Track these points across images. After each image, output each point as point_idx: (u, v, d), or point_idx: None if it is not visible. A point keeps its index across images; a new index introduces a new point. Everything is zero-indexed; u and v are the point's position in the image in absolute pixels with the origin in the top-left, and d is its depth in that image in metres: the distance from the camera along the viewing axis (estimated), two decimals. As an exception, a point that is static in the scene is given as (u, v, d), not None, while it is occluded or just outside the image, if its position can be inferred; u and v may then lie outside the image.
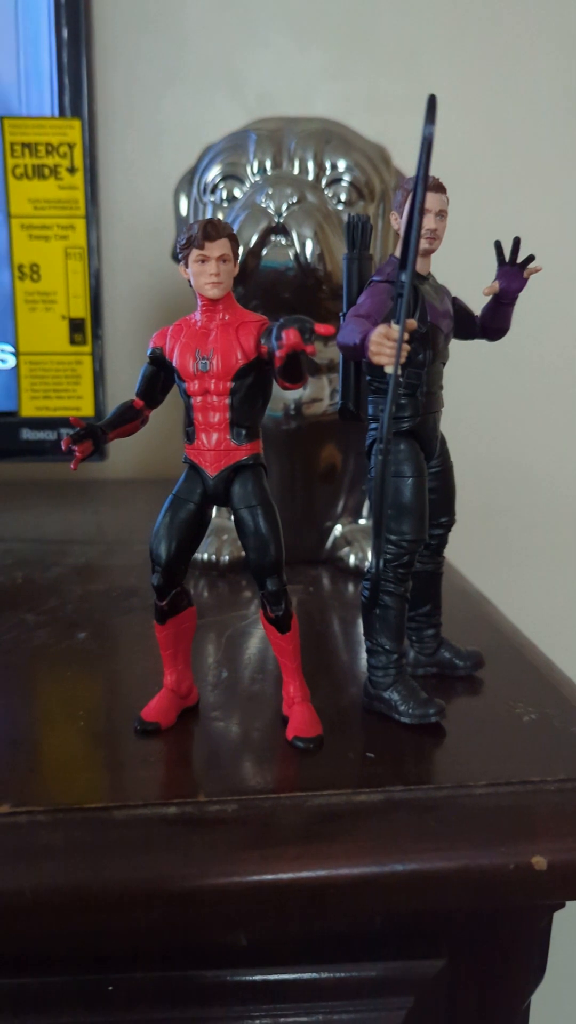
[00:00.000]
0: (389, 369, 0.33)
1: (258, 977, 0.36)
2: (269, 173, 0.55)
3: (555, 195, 0.87)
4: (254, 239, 0.53)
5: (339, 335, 0.36)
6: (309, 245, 0.52)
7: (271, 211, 0.53)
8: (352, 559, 0.59)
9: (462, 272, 0.46)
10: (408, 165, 0.60)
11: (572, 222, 0.88)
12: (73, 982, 0.35)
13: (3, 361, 0.68)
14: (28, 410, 0.69)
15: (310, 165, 0.55)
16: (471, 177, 0.85)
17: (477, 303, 0.41)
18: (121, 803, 0.33)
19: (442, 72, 0.85)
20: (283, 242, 0.53)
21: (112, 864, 0.31)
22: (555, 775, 0.35)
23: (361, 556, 0.59)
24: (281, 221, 0.53)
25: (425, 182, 0.31)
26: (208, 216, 0.57)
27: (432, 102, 0.29)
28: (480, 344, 0.43)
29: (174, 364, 0.37)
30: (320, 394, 0.57)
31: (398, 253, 0.38)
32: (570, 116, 0.86)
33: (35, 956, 0.34)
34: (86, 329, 0.68)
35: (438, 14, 0.84)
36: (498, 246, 0.40)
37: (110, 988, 0.35)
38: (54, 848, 0.32)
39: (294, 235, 0.52)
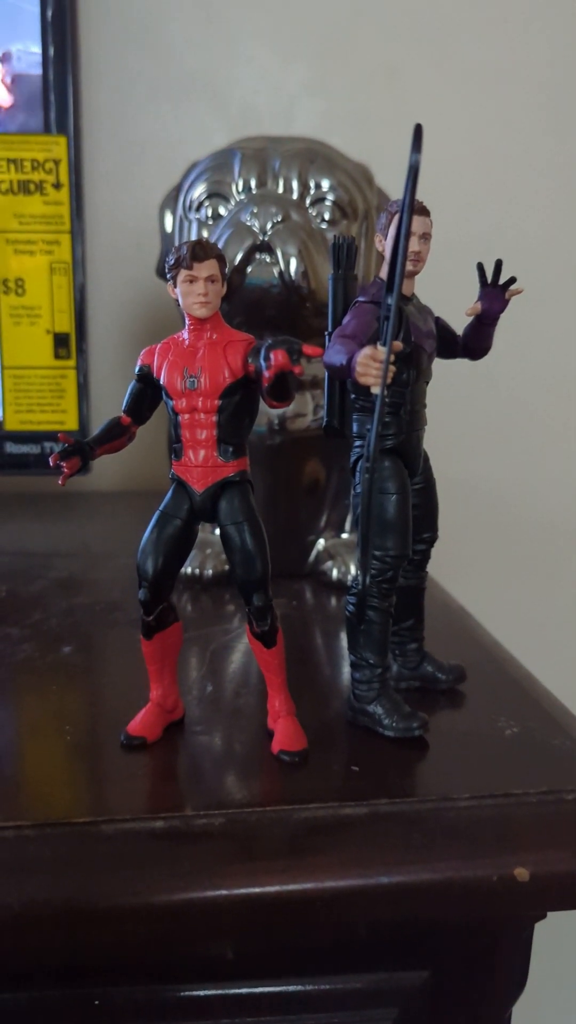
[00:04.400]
0: (375, 389, 0.33)
1: (244, 990, 0.36)
2: (254, 192, 0.55)
3: (538, 215, 0.88)
4: (239, 257, 0.53)
5: (325, 355, 0.36)
6: (293, 263, 0.53)
7: (256, 229, 0.53)
8: (335, 573, 0.60)
9: (445, 292, 0.47)
10: (391, 183, 0.60)
11: (554, 242, 0.89)
12: (60, 997, 0.35)
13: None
14: (12, 423, 0.70)
15: (294, 184, 0.55)
16: (453, 196, 0.86)
17: (459, 323, 0.42)
18: (108, 817, 0.33)
19: (424, 90, 0.86)
20: (268, 260, 0.53)
21: (99, 878, 0.32)
22: (537, 787, 0.35)
23: (344, 570, 0.60)
24: (266, 239, 0.53)
25: (411, 209, 0.32)
26: (193, 234, 0.57)
27: (418, 131, 0.30)
28: (463, 363, 0.43)
29: (162, 382, 0.37)
30: (304, 410, 0.57)
31: (383, 274, 0.38)
32: (552, 134, 0.88)
33: (22, 971, 0.34)
34: (71, 343, 0.69)
35: (420, 32, 0.85)
36: (480, 267, 0.40)
37: (96, 1003, 0.35)
38: (41, 862, 0.32)
39: (279, 253, 0.53)
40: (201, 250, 0.35)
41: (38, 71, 0.66)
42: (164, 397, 0.38)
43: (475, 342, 0.42)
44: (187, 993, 0.36)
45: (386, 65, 0.85)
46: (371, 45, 0.85)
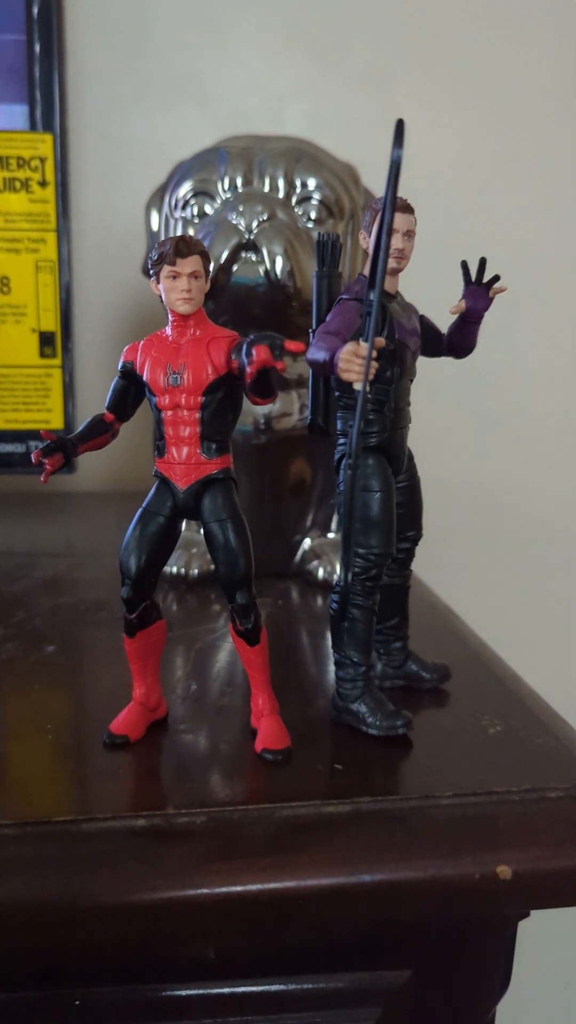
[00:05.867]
0: (358, 386, 0.33)
1: (226, 990, 0.36)
2: (240, 190, 0.55)
3: (524, 214, 0.89)
4: (224, 255, 0.53)
5: (308, 352, 0.36)
6: (279, 262, 0.53)
7: (242, 228, 0.53)
8: (320, 572, 0.60)
9: (430, 290, 0.47)
10: (377, 184, 0.60)
11: (540, 241, 0.89)
12: (39, 997, 0.35)
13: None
14: (-3, 422, 0.69)
15: (280, 183, 0.55)
16: (439, 196, 0.86)
17: (444, 321, 0.42)
18: (89, 816, 0.33)
19: (412, 91, 0.86)
20: (253, 258, 0.53)
21: (80, 877, 0.31)
22: (520, 785, 0.35)
23: (329, 569, 0.60)
24: (251, 238, 0.53)
25: (393, 204, 0.32)
26: (179, 232, 0.57)
27: (400, 127, 0.30)
28: (447, 361, 0.43)
29: (145, 378, 0.37)
30: (289, 409, 0.57)
31: (367, 272, 0.38)
32: (540, 135, 0.88)
33: (1, 970, 0.34)
34: (56, 342, 0.68)
35: (409, 34, 0.85)
36: (464, 266, 0.40)
37: (77, 1003, 0.35)
38: (22, 861, 0.32)
39: (264, 252, 0.53)
40: (184, 246, 0.35)
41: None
42: (147, 394, 0.38)
43: (459, 340, 0.42)
44: (168, 993, 0.36)
45: (376, 68, 0.85)
46: (360, 48, 0.85)
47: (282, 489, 0.60)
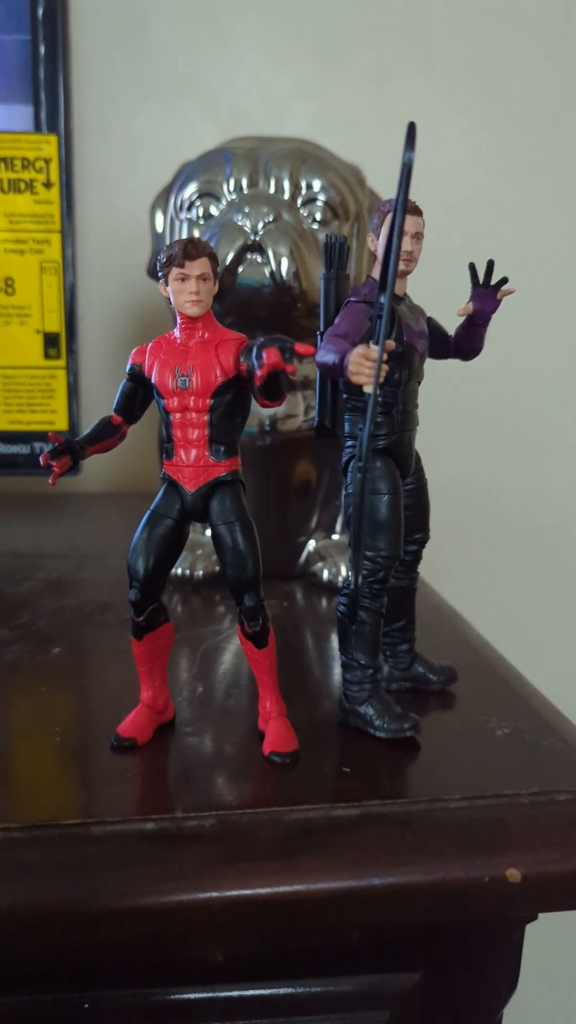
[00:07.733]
0: (368, 389, 0.33)
1: (235, 993, 0.36)
2: (245, 192, 0.55)
3: (529, 216, 0.89)
4: (230, 257, 0.53)
5: (318, 354, 0.36)
6: (284, 263, 0.53)
7: (247, 229, 0.53)
8: (325, 574, 0.60)
9: (437, 293, 0.47)
10: (382, 184, 0.61)
11: (546, 244, 0.89)
12: (49, 1000, 0.35)
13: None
14: (1, 424, 0.69)
15: (286, 184, 0.55)
16: (445, 197, 0.86)
17: (452, 324, 0.42)
18: (98, 819, 0.33)
19: (415, 93, 0.86)
20: (259, 260, 0.53)
21: (89, 880, 0.31)
22: (528, 788, 0.35)
23: (334, 571, 0.60)
24: (257, 239, 0.53)
25: (404, 208, 0.32)
26: (184, 233, 0.57)
27: (411, 129, 0.29)
28: (455, 364, 0.43)
29: (153, 381, 0.37)
30: (295, 410, 0.57)
31: (375, 274, 0.38)
32: (543, 137, 0.88)
33: (10, 974, 0.34)
34: (61, 343, 0.68)
35: (411, 34, 0.85)
36: (472, 268, 0.40)
37: (86, 1006, 0.35)
38: (31, 865, 0.32)
39: (270, 253, 0.53)
40: (193, 248, 0.35)
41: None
42: (155, 396, 0.38)
43: (467, 342, 0.42)
44: (177, 996, 0.36)
45: (377, 68, 0.85)
46: (362, 48, 0.85)
47: (287, 491, 0.60)
